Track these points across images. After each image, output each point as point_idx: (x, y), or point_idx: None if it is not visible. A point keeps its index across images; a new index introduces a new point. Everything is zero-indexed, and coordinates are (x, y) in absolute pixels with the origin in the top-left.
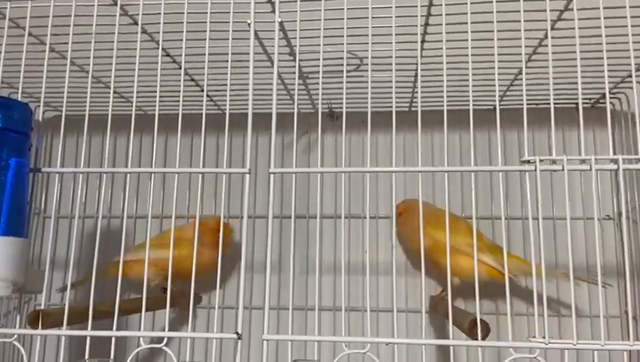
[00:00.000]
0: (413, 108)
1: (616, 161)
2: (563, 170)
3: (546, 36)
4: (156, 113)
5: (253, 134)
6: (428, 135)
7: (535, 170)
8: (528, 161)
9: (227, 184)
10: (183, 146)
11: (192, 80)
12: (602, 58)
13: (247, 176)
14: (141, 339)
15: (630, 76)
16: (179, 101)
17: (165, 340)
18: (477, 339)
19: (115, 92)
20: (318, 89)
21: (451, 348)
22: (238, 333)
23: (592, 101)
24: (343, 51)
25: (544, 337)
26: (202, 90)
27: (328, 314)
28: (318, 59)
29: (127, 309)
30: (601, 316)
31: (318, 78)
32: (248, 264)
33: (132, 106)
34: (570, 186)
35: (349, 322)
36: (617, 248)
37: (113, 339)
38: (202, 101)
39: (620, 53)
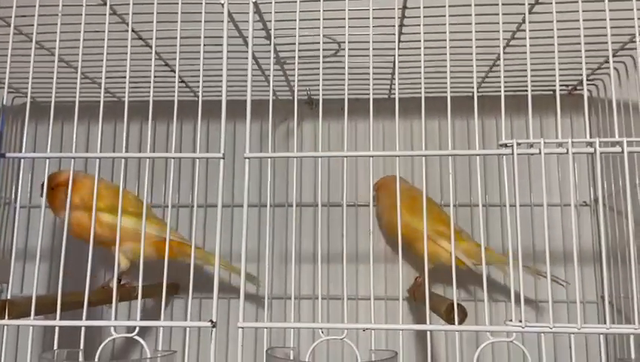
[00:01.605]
0: (392, 96)
1: (592, 145)
2: (540, 153)
3: (523, 21)
4: (126, 96)
5: (230, 121)
6: (408, 122)
7: (512, 153)
8: (506, 145)
9: (205, 170)
10: (160, 134)
11: (167, 65)
12: (579, 44)
13: (222, 161)
14: (112, 329)
15: (607, 62)
16: (154, 87)
17: (137, 329)
18: (454, 324)
19: (86, 77)
20: (297, 75)
21: (428, 333)
22: (212, 321)
23: (570, 88)
24: (319, 35)
25: (521, 321)
26: (177, 75)
27: (307, 303)
28: (295, 44)
29: (101, 299)
30: (578, 300)
31: (296, 63)
32: (226, 252)
33: (108, 93)
34: (547, 173)
35: (329, 310)
36: (594, 234)
37: (83, 329)
38: (178, 87)
39: (597, 38)
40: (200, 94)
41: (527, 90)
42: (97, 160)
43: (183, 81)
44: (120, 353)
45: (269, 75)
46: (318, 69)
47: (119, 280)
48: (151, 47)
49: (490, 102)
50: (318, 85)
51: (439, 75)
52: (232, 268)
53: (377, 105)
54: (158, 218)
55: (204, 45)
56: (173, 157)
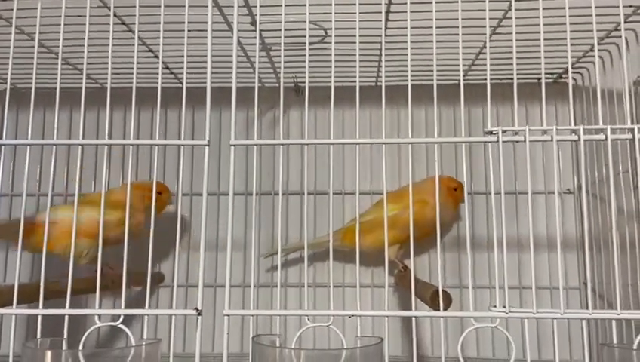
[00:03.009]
0: (379, 83)
1: (576, 132)
2: (525, 140)
3: (509, 8)
4: (108, 83)
5: (216, 108)
6: (394, 110)
7: (497, 140)
8: (491, 133)
9: (191, 158)
10: (145, 121)
11: (150, 51)
12: (565, 32)
13: (207, 148)
14: (96, 317)
15: (592, 50)
16: (139, 74)
17: (121, 318)
18: (439, 310)
19: (68, 63)
20: (282, 62)
21: (413, 319)
22: (198, 309)
23: (556, 76)
24: (305, 21)
25: (504, 307)
26: (161, 62)
27: (295, 291)
28: (282, 30)
29: (85, 288)
30: (560, 286)
31: (282, 50)
32: (212, 240)
33: (90, 79)
34: (532, 160)
35: (316, 298)
36: (577, 221)
37: (66, 318)
38: (163, 73)
39: (582, 26)
40: (184, 80)
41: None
42: (79, 147)
43: (167, 68)
44: (106, 342)
45: (255, 62)
46: (305, 55)
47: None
48: (134, 32)
49: (477, 90)
50: (305, 72)
51: (426, 62)
52: None
53: (364, 93)
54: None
55: (189, 31)
56: (157, 145)
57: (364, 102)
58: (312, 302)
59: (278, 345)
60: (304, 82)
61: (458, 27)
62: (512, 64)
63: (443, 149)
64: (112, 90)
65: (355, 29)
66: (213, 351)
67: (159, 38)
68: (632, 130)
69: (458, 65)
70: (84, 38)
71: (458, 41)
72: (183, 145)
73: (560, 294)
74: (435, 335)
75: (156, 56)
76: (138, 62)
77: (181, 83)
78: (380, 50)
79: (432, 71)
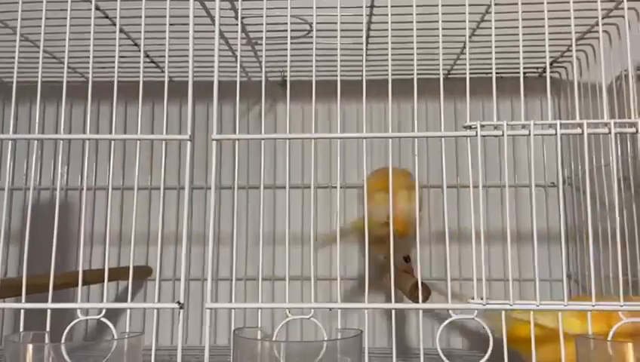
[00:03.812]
0: (366, 78)
1: (554, 126)
2: (503, 135)
3: (491, 3)
4: (90, 75)
5: (203, 103)
6: (381, 105)
7: (476, 135)
8: (470, 127)
9: (177, 153)
10: (133, 116)
11: (136, 45)
12: (548, 26)
13: (189, 143)
14: (78, 311)
15: (576, 43)
16: (128, 69)
17: (103, 311)
18: (418, 302)
19: (53, 57)
20: (268, 56)
21: (393, 311)
22: (179, 303)
23: (540, 70)
24: (288, 16)
25: (482, 298)
26: (146, 56)
27: (281, 284)
28: (267, 24)
29: (68, 282)
30: (536, 278)
31: (268, 44)
32: (199, 234)
33: (77, 73)
34: (516, 155)
35: (303, 291)
36: (562, 214)
37: (49, 312)
38: (150, 68)
39: (565, 21)
40: (166, 73)
41: (499, 73)
42: (60, 141)
43: (153, 62)
44: (96, 336)
45: (237, 53)
46: (291, 50)
47: None
48: (116, 25)
49: (463, 85)
50: (292, 67)
51: (411, 57)
52: None
53: (351, 88)
54: None
55: (173, 25)
56: (139, 139)
57: (352, 97)
58: (298, 295)
59: (260, 337)
60: (292, 77)
61: (442, 21)
62: (497, 58)
63: (429, 143)
64: (105, 85)
65: (340, 23)
66: (200, 343)
67: (144, 32)
68: (608, 125)
69: (443, 59)
70: (65, 32)
71: (442, 35)
72: (164, 139)
73: (536, 286)
74: (423, 327)
75: (139, 48)
76: (126, 58)
77: (168, 77)
78: (365, 44)
79: (418, 64)
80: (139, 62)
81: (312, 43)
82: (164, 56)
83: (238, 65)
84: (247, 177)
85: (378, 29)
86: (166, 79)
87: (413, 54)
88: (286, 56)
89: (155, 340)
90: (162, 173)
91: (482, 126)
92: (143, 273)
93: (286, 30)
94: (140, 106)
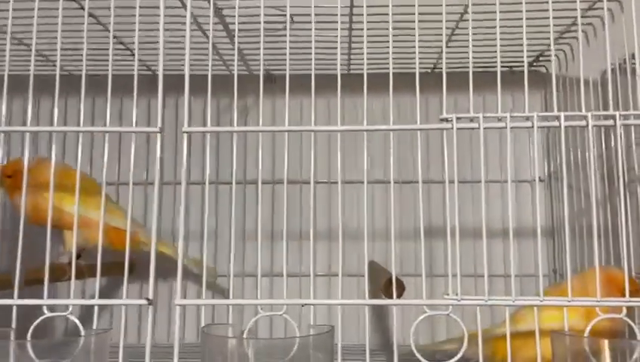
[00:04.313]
0: (351, 71)
1: (530, 119)
2: (479, 128)
3: None
4: (57, 66)
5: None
6: (369, 99)
7: (452, 128)
8: (447, 120)
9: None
10: (115, 110)
11: (116, 38)
12: (531, 18)
13: (159, 135)
14: (44, 308)
15: (560, 37)
16: (99, 60)
17: (70, 308)
18: (392, 298)
19: (21, 43)
20: (248, 48)
21: (366, 307)
22: (148, 299)
23: (526, 64)
24: (269, 7)
25: (457, 294)
26: (120, 43)
27: (264, 280)
28: (246, 16)
29: (38, 278)
30: (512, 274)
31: (248, 35)
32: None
33: (50, 63)
34: (500, 150)
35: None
36: (547, 209)
37: (14, 308)
38: (131, 61)
39: (552, 12)
40: (136, 62)
41: (487, 67)
42: (27, 134)
43: (133, 55)
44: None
45: (220, 50)
46: (275, 43)
47: (78, 256)
48: (99, 20)
49: (448, 79)
50: (276, 60)
51: (396, 50)
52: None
53: (335, 81)
54: (115, 204)
55: (151, 16)
56: (107, 131)
57: (336, 90)
58: (272, 291)
59: (230, 335)
60: (276, 70)
61: (425, 14)
62: (483, 52)
63: (414, 141)
64: (77, 77)
65: (321, 14)
66: (168, 340)
67: (120, 23)
68: (585, 118)
69: (428, 52)
70: (33, 17)
71: (424, 29)
72: (134, 132)
73: (512, 282)
74: (404, 323)
75: (122, 43)
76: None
77: (150, 70)
78: (349, 37)
79: (403, 58)
80: (116, 54)
81: (294, 35)
82: (142, 49)
83: (210, 59)
84: (216, 173)
85: (361, 22)
86: (136, 63)
87: (397, 48)
88: (269, 49)
89: (124, 338)
90: (131, 166)
91: (458, 118)
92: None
93: (265, 22)
94: (109, 98)
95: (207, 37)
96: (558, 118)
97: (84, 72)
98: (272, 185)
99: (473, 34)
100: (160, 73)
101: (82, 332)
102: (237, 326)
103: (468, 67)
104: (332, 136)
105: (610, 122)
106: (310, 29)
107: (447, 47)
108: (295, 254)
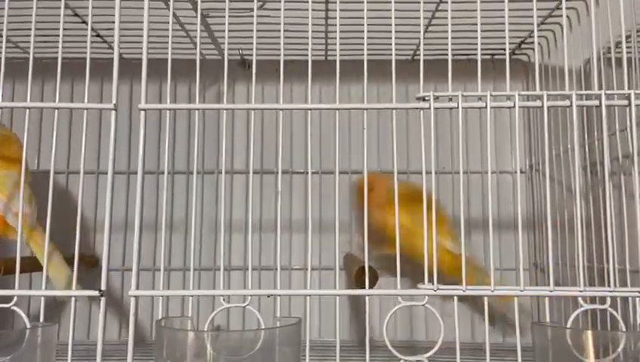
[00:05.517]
0: (329, 58)
1: (512, 98)
2: (458, 107)
3: None
4: (31, 48)
5: (156, 81)
6: (345, 86)
7: (430, 108)
8: (424, 98)
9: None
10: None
11: (76, 15)
12: (513, 9)
13: (114, 113)
14: None
15: (543, 23)
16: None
17: (15, 299)
18: (364, 288)
19: None
20: (222, 31)
21: (337, 298)
22: (101, 291)
23: (508, 51)
24: None
25: (433, 284)
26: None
27: (239, 273)
28: None
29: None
30: (491, 265)
31: (219, 16)
32: (151, 220)
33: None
34: (481, 139)
35: (251, 280)
36: (528, 201)
37: None
38: (99, 46)
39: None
40: (89, 26)
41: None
42: None
43: (98, 35)
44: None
45: (191, 32)
46: (249, 26)
47: None
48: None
49: (427, 67)
50: (251, 45)
51: (375, 37)
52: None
53: (313, 68)
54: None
55: None
56: (58, 108)
57: (313, 77)
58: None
59: (189, 327)
60: (251, 55)
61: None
62: (464, 39)
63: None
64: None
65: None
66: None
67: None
68: (569, 97)
69: (408, 40)
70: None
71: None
72: (87, 108)
73: (491, 271)
74: (379, 312)
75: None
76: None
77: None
78: (325, 24)
79: (382, 45)
80: (84, 38)
81: (269, 17)
82: (110, 29)
83: (169, 39)
84: (202, 161)
85: (336, 9)
86: (88, 33)
87: (376, 34)
88: (243, 31)
89: (71, 331)
90: (83, 149)
91: (436, 98)
92: (90, 262)
93: (237, 1)
94: (59, 76)
95: (185, 29)
96: (540, 97)
97: (59, 64)
98: (246, 175)
99: (453, 22)
100: (115, 46)
101: (28, 325)
102: (195, 320)
103: (446, 55)
104: (311, 126)
105: (596, 102)
106: (274, 10)
107: (426, 32)
108: (270, 246)
